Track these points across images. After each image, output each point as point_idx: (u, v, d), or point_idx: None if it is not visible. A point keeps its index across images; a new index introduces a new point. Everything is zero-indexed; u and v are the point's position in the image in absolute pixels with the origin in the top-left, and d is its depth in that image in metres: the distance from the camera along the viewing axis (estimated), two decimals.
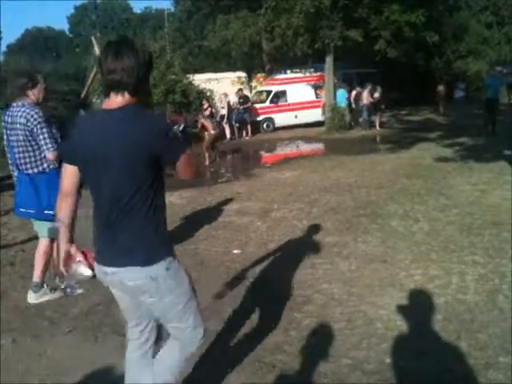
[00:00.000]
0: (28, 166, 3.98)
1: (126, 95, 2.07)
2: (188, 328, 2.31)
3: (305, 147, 15.69)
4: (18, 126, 3.86)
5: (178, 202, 7.87)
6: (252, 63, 27.91)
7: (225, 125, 17.78)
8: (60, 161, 3.70)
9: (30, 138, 3.87)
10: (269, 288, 4.27)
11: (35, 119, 3.82)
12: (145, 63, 2.10)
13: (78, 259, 2.26)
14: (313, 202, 7.33)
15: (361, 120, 18.15)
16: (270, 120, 19.39)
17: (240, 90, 19.21)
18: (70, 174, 2.23)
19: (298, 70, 20.69)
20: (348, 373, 2.92)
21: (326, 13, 16.32)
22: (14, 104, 3.97)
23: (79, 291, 4.14)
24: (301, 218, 6.50)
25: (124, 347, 3.33)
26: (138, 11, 70.61)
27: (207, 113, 17.22)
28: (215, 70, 24.01)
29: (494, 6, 27.56)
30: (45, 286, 4.25)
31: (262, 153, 15.21)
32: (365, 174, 9.26)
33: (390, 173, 9.22)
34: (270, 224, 6.34)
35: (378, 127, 17.65)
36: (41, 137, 3.84)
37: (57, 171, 3.82)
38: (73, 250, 2.28)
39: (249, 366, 3.04)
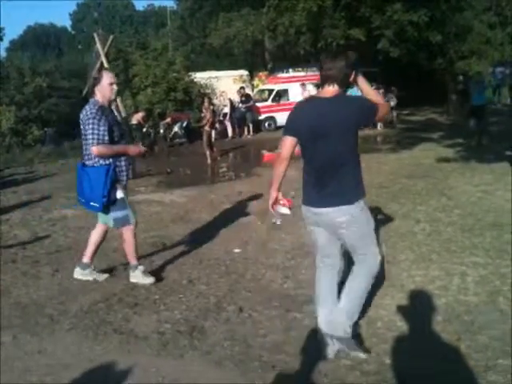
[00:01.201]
0: (85, 157, 4.27)
1: (336, 86, 2.92)
2: (371, 254, 3.03)
3: None
4: (80, 120, 4.20)
5: (179, 201, 7.88)
6: (254, 61, 27.90)
7: (227, 123, 17.77)
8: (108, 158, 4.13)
9: (83, 132, 4.16)
10: (269, 287, 4.28)
11: (86, 114, 4.07)
12: (349, 65, 2.94)
13: (282, 202, 3.17)
14: None
15: None
16: (272, 119, 19.34)
17: (242, 88, 19.19)
18: (289, 144, 3.05)
19: (300, 69, 20.64)
20: (348, 373, 2.92)
21: (329, 11, 16.34)
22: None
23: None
24: (302, 216, 6.48)
25: (123, 345, 3.35)
26: (141, 8, 70.56)
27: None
28: (217, 68, 23.97)
29: (498, 7, 27.45)
30: (92, 266, 4.57)
31: (264, 152, 15.16)
32: (365, 174, 9.17)
33: (391, 173, 9.22)
34: (271, 223, 6.33)
35: (378, 127, 17.62)
36: (89, 131, 4.05)
37: (106, 168, 4.12)
38: (280, 196, 3.12)
39: (249, 366, 3.04)
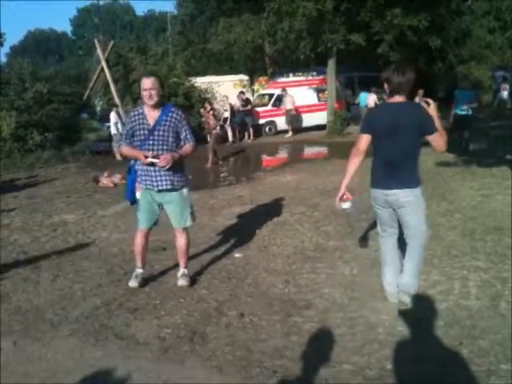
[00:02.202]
0: None
1: (403, 95, 3.61)
2: (423, 231, 3.79)
3: (306, 151, 15.68)
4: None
5: None
6: (254, 66, 27.94)
7: (227, 127, 17.79)
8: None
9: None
10: (269, 292, 4.27)
11: (126, 117, 4.30)
12: (414, 77, 3.58)
13: (345, 197, 3.82)
14: (314, 205, 7.32)
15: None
16: (272, 123, 19.36)
17: (242, 92, 19.22)
18: (365, 139, 3.73)
19: (300, 74, 20.67)
20: (349, 378, 2.92)
21: (329, 16, 16.32)
22: None
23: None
24: (302, 221, 6.49)
25: (124, 350, 3.34)
26: (141, 14, 70.74)
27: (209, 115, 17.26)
28: (218, 73, 24.02)
29: (497, 11, 27.56)
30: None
31: (264, 156, 15.20)
32: (367, 178, 9.21)
33: None
34: (272, 228, 6.33)
35: None
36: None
37: (131, 165, 4.43)
38: (346, 192, 3.81)
39: (250, 372, 3.03)
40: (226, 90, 19.41)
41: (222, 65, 28.44)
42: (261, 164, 14.12)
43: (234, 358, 3.20)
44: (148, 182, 4.25)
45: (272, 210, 7.26)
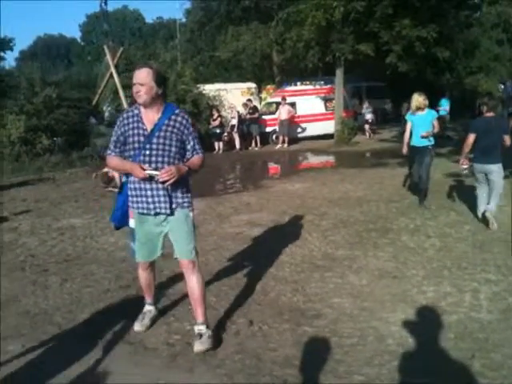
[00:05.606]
0: None
1: (493, 112, 6.42)
2: (501, 187, 6.32)
3: (314, 159, 15.68)
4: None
5: None
6: (262, 74, 28.04)
7: (234, 135, 17.84)
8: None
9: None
10: (278, 300, 4.25)
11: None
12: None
13: (464, 162, 6.57)
14: (322, 214, 7.31)
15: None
16: None
17: (249, 100, 19.28)
18: (473, 136, 6.25)
19: (307, 82, 20.72)
20: None
21: (338, 26, 16.39)
22: None
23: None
24: (310, 230, 6.47)
25: (132, 356, 3.31)
26: (150, 21, 71.19)
27: (216, 123, 17.33)
28: (225, 81, 24.11)
29: (506, 23, 27.58)
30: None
31: (271, 164, 15.21)
32: (374, 188, 9.23)
33: (399, 187, 9.19)
34: (280, 236, 6.32)
35: None
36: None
37: (125, 187, 3.54)
38: (465, 159, 6.58)
39: (260, 380, 3.00)
40: (233, 97, 19.48)
41: (230, 72, 28.57)
42: (268, 172, 14.13)
43: (244, 366, 3.17)
44: (141, 205, 3.33)
45: (280, 218, 7.25)
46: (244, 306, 4.13)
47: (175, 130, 3.27)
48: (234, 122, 17.88)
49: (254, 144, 18.46)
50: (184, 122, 3.34)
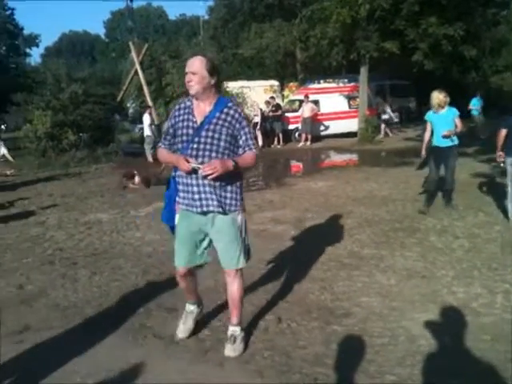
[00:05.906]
0: None
1: None
2: None
3: (337, 157, 15.59)
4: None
5: None
6: (285, 72, 27.94)
7: (257, 132, 17.83)
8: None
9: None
10: (306, 298, 4.23)
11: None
12: None
13: (501, 155, 6.43)
14: (347, 213, 7.25)
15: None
16: None
17: (272, 97, 19.25)
18: (505, 131, 6.40)
19: (331, 80, 20.59)
20: None
21: (363, 24, 16.25)
22: None
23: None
24: (335, 228, 6.43)
25: (163, 350, 3.34)
26: (173, 18, 71.61)
27: None
28: (248, 78, 24.10)
29: None
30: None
31: (294, 162, 15.17)
32: (399, 187, 9.13)
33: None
34: (305, 233, 6.30)
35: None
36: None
37: (171, 182, 3.37)
38: (501, 153, 6.48)
39: (290, 377, 2.99)
40: (256, 95, 19.46)
41: (253, 70, 28.54)
42: (290, 170, 14.09)
43: (274, 362, 3.17)
44: (187, 202, 3.19)
45: (303, 215, 7.22)
46: (271, 303, 4.12)
47: (226, 124, 3.12)
48: (257, 119, 17.87)
49: (276, 141, 18.44)
50: (236, 115, 3.17)
